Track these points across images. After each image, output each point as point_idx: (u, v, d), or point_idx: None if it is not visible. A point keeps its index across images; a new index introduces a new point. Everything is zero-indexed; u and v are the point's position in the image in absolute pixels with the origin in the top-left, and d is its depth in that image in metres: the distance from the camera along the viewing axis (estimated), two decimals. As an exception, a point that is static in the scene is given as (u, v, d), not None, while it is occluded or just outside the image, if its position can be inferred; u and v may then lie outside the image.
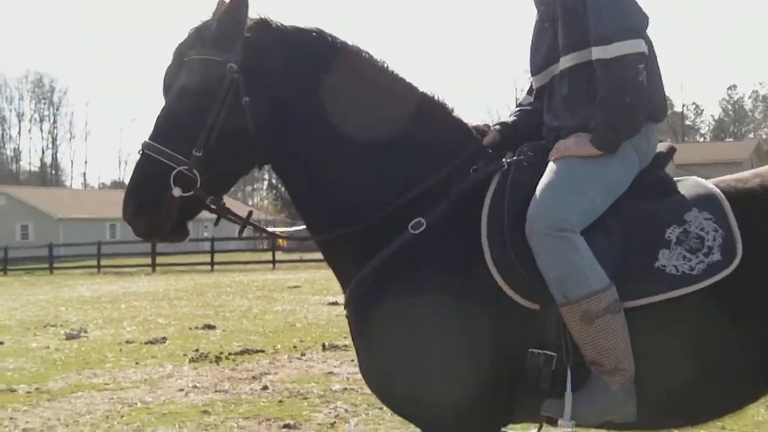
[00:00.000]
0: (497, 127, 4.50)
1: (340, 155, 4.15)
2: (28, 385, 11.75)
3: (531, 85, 4.60)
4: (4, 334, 17.94)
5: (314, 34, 4.22)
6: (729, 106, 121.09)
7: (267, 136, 4.10)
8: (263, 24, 4.18)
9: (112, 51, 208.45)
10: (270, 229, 5.01)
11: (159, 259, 46.42)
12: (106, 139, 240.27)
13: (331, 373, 11.93)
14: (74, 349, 15.36)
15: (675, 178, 4.27)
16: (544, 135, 4.33)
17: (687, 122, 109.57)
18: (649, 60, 4.02)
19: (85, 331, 17.83)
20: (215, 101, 4.02)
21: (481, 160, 4.23)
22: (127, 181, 4.12)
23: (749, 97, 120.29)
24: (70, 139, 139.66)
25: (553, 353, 3.86)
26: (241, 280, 34.97)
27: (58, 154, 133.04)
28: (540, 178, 4.01)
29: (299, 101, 4.14)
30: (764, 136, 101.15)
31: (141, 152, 4.05)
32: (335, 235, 4.18)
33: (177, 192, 3.93)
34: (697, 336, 3.89)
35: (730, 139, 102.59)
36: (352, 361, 12.56)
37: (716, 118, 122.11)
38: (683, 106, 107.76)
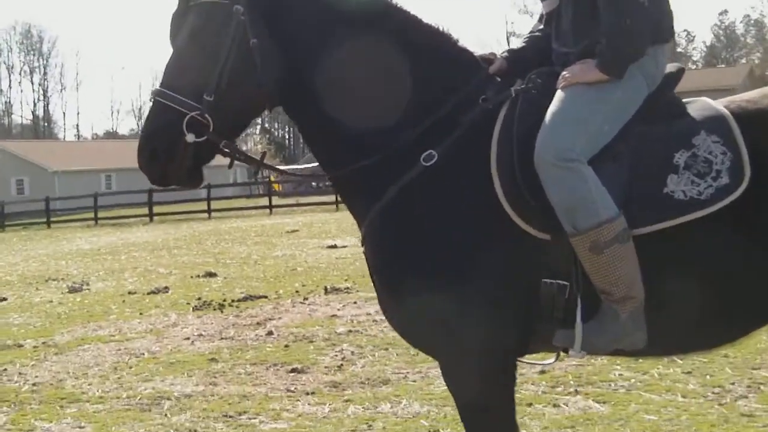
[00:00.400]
0: (504, 54, 4.47)
1: (350, 91, 4.15)
2: (35, 340, 11.83)
3: (541, 13, 4.56)
4: (6, 289, 18.01)
5: None
6: (720, 32, 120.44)
7: (277, 77, 4.10)
8: None
9: None
10: (282, 167, 5.00)
11: (156, 209, 46.40)
12: (98, 89, 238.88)
13: (334, 316, 12.02)
14: (77, 302, 15.43)
15: (684, 100, 4.21)
16: (553, 61, 4.29)
17: (679, 50, 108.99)
18: None
19: (87, 284, 17.92)
20: (223, 45, 4.01)
21: (490, 90, 4.22)
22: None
23: (741, 22, 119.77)
24: (61, 91, 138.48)
25: (565, 282, 3.88)
26: (239, 226, 35.05)
27: (49, 106, 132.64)
28: (548, 105, 3.99)
29: (307, 39, 4.13)
30: (756, 61, 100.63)
31: (152, 100, 4.07)
32: (349, 171, 4.19)
33: (191, 138, 3.95)
34: (707, 261, 3.89)
35: (723, 66, 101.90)
36: (355, 303, 12.71)
37: (708, 44, 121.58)
38: (674, 27, 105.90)
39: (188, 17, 4.10)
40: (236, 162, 4.31)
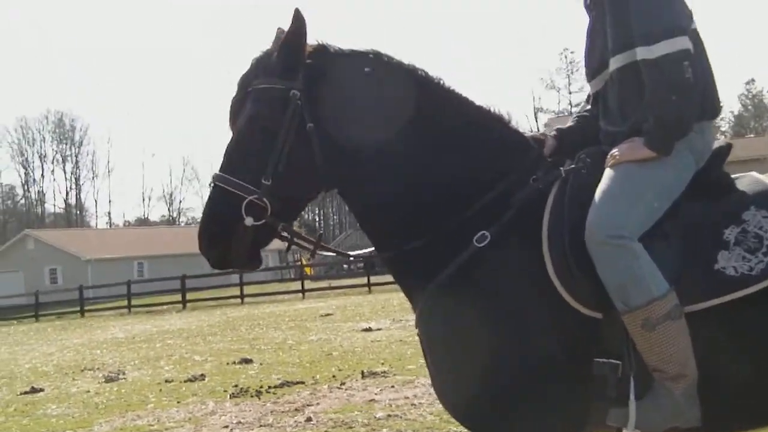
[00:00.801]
0: (554, 134, 4.55)
1: (406, 173, 4.21)
2: (74, 431, 11.79)
3: (588, 93, 4.63)
4: (43, 380, 18.01)
5: (371, 56, 4.30)
6: (748, 101, 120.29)
7: (333, 160, 4.17)
8: (322, 49, 4.28)
9: (130, 85, 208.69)
10: (340, 250, 5.06)
11: (189, 295, 46.45)
12: (129, 176, 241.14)
13: (372, 400, 11.92)
14: (114, 391, 15.39)
15: (733, 175, 4.24)
16: (601, 140, 4.33)
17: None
18: (696, 56, 3.99)
19: (123, 373, 17.87)
20: (281, 129, 4.10)
21: (541, 170, 4.27)
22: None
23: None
24: (93, 178, 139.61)
25: (618, 361, 3.87)
26: (272, 311, 35.02)
27: (81, 194, 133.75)
28: (598, 185, 4.03)
29: (363, 122, 4.20)
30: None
31: (212, 184, 4.16)
32: (403, 251, 4.23)
33: (249, 221, 4.03)
34: (761, 336, 3.87)
35: (752, 135, 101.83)
36: (392, 387, 12.62)
37: (736, 113, 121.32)
38: (720, 101, 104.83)
39: (247, 102, 4.20)
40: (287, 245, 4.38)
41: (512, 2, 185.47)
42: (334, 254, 4.93)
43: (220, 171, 4.15)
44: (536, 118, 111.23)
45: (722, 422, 4.12)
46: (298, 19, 4.14)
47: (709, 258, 3.91)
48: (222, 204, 4.10)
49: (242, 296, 44.87)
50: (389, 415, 10.72)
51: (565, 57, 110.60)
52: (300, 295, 44.40)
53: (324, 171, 4.17)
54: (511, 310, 3.97)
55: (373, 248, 4.50)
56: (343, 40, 4.35)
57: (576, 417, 4.02)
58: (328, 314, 29.52)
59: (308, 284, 47.33)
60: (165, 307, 46.44)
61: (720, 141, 4.31)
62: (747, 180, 4.18)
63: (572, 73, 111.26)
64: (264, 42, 4.37)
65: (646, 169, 4.00)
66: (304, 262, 49.09)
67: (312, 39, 4.25)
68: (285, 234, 4.22)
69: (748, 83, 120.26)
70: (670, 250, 3.93)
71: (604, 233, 3.84)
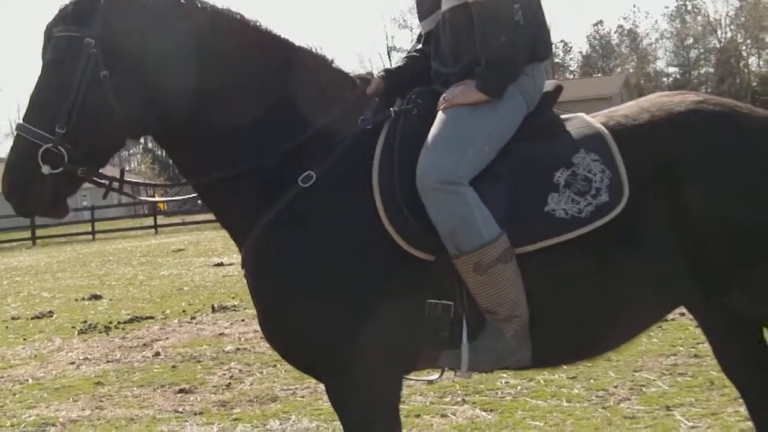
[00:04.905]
0: (382, 74, 4.49)
1: (217, 116, 4.14)
2: None
3: (420, 33, 4.58)
4: None
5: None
6: (596, 42, 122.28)
7: (134, 108, 4.08)
8: None
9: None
10: (144, 181, 4.98)
11: (39, 232, 45.32)
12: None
13: (222, 334, 11.94)
14: (-42, 329, 15.00)
15: (562, 116, 4.28)
16: (433, 81, 4.32)
17: (557, 60, 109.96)
18: None
19: (-32, 311, 17.40)
20: (74, 77, 4.02)
21: (368, 110, 4.25)
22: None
23: (615, 32, 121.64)
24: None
25: (450, 302, 3.91)
26: (124, 247, 34.50)
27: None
28: (429, 126, 4.03)
29: (168, 68, 4.09)
30: (631, 70, 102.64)
31: (15, 133, 4.07)
32: (226, 190, 4.19)
33: (46, 170, 3.96)
34: (590, 276, 3.96)
35: (599, 75, 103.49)
36: (243, 321, 12.64)
37: (584, 54, 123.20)
38: (552, 44, 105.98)
39: (48, 50, 4.12)
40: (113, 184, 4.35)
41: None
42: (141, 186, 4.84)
43: (22, 119, 4.09)
44: (390, 56, 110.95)
45: (551, 359, 4.29)
46: None
47: (539, 200, 3.95)
48: (21, 152, 4.03)
49: (93, 232, 43.99)
50: (238, 349, 10.77)
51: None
52: (153, 230, 43.91)
53: (123, 119, 4.08)
54: (340, 251, 3.97)
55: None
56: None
57: (408, 357, 4.07)
58: (180, 249, 29.27)
59: (161, 220, 46.77)
60: (14, 244, 45.26)
61: (550, 83, 4.33)
62: (577, 122, 4.20)
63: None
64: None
65: (478, 113, 4.02)
66: (157, 196, 48.49)
67: None
68: (88, 179, 4.16)
69: (596, 24, 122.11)
70: (501, 193, 3.96)
71: (435, 178, 3.86)
